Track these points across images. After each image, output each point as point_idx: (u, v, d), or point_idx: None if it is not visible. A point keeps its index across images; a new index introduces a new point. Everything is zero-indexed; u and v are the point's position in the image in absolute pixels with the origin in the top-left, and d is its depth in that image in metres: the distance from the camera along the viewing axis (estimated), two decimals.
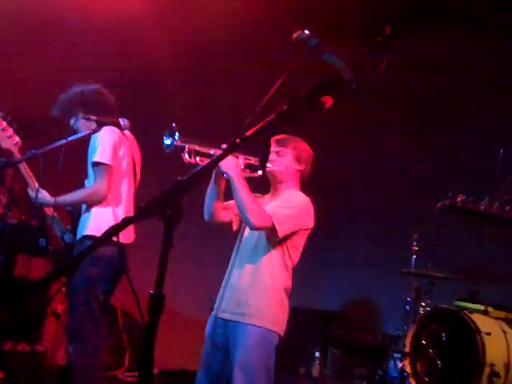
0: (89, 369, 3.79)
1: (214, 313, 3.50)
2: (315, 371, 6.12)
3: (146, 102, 6.24)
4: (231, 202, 3.48)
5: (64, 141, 3.69)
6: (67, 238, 4.04)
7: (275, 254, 3.41)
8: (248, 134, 1.78)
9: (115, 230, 1.89)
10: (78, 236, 3.96)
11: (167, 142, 3.22)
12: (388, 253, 6.52)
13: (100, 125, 3.81)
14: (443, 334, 5.05)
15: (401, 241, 6.09)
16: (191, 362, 3.88)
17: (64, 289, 5.48)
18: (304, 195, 3.53)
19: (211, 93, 6.22)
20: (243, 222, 3.49)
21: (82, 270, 3.72)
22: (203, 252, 6.39)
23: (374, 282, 6.74)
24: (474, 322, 4.87)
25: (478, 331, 4.79)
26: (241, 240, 3.54)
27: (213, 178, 3.39)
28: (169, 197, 1.77)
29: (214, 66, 6.23)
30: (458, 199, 3.97)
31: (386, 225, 6.82)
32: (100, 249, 3.26)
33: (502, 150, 4.83)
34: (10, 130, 3.95)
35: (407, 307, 5.76)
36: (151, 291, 1.83)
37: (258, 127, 1.77)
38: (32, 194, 3.93)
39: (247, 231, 3.50)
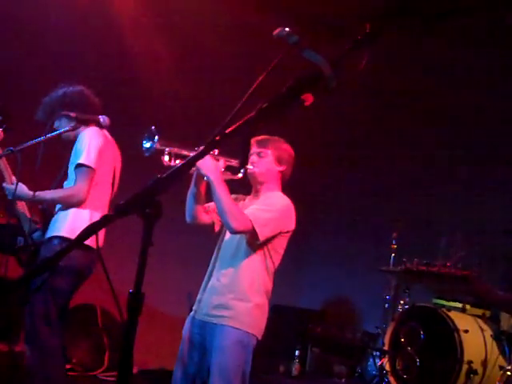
0: (44, 370, 3.72)
1: (192, 313, 3.49)
2: (295, 369, 6.13)
3: (128, 102, 6.20)
4: (212, 204, 3.46)
5: (42, 138, 3.65)
6: (36, 236, 3.98)
7: (256, 257, 3.40)
8: (228, 131, 1.77)
9: (94, 228, 1.87)
10: (48, 235, 3.88)
11: (147, 145, 3.22)
12: (367, 251, 6.55)
13: (79, 122, 3.77)
14: (422, 332, 5.09)
15: (380, 239, 6.13)
16: (171, 362, 3.86)
17: None
18: (285, 197, 3.51)
19: (198, 94, 6.20)
20: (223, 223, 3.48)
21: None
22: (184, 251, 6.37)
23: (353, 281, 6.77)
24: (452, 320, 4.91)
25: (456, 329, 4.84)
26: (222, 242, 3.53)
27: (193, 180, 3.38)
28: (148, 194, 1.76)
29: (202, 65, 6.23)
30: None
31: (365, 223, 6.86)
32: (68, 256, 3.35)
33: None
34: None
35: (386, 305, 5.80)
36: (130, 290, 1.81)
37: (237, 125, 1.76)
38: (9, 187, 3.85)
39: (228, 234, 3.48)
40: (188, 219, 3.52)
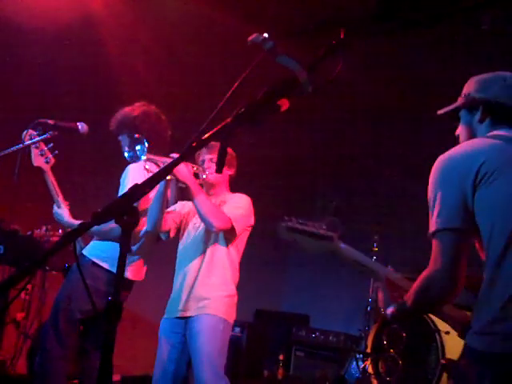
0: (44, 377, 3.74)
1: (167, 316, 3.67)
2: (279, 374, 6.13)
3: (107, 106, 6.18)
4: (170, 209, 3.69)
5: (21, 145, 3.63)
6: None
7: (224, 252, 3.64)
8: (204, 137, 1.77)
9: (72, 235, 1.86)
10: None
11: (130, 153, 3.34)
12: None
13: (56, 129, 3.75)
14: (403, 334, 5.11)
15: (361, 242, 6.15)
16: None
17: (23, 296, 5.41)
18: (244, 195, 3.76)
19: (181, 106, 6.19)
20: (184, 226, 3.73)
21: (70, 285, 3.73)
22: (166, 258, 6.35)
23: (336, 284, 6.79)
24: (433, 321, 4.94)
25: (437, 330, 4.86)
26: (185, 242, 3.72)
27: (160, 189, 3.48)
28: (125, 201, 1.76)
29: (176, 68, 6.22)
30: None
31: (347, 225, 6.87)
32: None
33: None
34: (44, 147, 3.80)
35: (368, 308, 5.82)
36: (109, 298, 1.81)
37: (214, 131, 1.77)
38: (57, 211, 3.82)
39: (193, 233, 3.68)
40: (151, 228, 3.63)
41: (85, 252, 3.78)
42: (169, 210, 3.71)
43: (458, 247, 2.00)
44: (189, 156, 2.53)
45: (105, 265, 3.70)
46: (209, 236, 3.63)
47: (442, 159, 2.10)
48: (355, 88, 5.72)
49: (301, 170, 7.11)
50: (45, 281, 5.43)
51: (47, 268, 5.19)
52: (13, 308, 5.48)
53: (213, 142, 3.55)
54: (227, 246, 3.65)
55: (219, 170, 1.71)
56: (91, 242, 3.86)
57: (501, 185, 1.97)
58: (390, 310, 2.20)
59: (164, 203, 3.55)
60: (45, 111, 4.09)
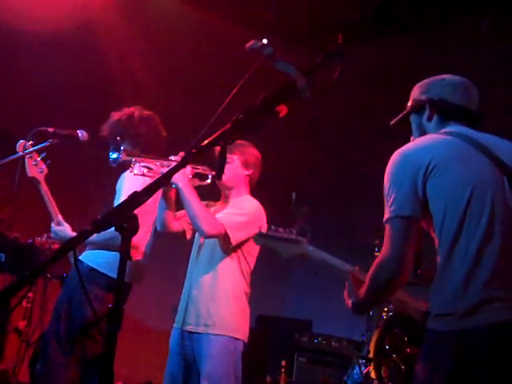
0: None
1: (177, 326, 3.50)
2: (281, 380, 6.11)
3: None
4: (183, 212, 3.48)
5: (17, 155, 3.64)
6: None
7: (232, 262, 3.44)
8: (204, 144, 1.77)
9: (72, 243, 1.86)
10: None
11: (113, 156, 3.24)
12: (351, 260, 6.55)
13: (56, 137, 3.75)
14: (406, 339, 5.09)
15: (364, 247, 6.14)
16: (156, 375, 3.86)
17: (24, 304, 5.41)
18: (255, 200, 3.56)
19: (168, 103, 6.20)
20: (195, 229, 3.50)
21: (69, 291, 3.70)
22: (167, 264, 6.35)
23: (338, 289, 6.77)
24: None
25: None
26: (196, 250, 3.55)
27: (162, 189, 3.39)
28: (125, 209, 1.76)
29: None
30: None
31: (348, 232, 6.87)
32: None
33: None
34: (37, 158, 3.76)
35: (371, 313, 5.80)
36: (110, 305, 1.81)
37: (213, 137, 1.77)
38: (55, 229, 3.78)
39: (201, 240, 3.51)
40: (159, 228, 3.53)
41: (82, 258, 3.77)
42: (181, 212, 3.53)
43: (408, 233, 2.16)
44: (188, 162, 2.53)
45: (103, 270, 3.68)
46: (215, 244, 3.44)
47: (396, 154, 2.27)
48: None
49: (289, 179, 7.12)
50: (46, 289, 5.42)
51: (48, 276, 5.19)
52: (14, 316, 5.48)
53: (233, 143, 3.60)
54: (234, 254, 3.45)
55: (219, 177, 1.71)
56: (87, 250, 3.85)
57: (449, 175, 2.15)
58: (349, 302, 2.44)
59: (169, 203, 3.43)
60: (44, 118, 4.09)
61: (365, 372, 5.34)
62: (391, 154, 2.27)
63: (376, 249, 5.83)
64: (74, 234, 3.75)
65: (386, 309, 5.50)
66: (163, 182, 1.98)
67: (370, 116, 6.19)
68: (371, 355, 5.31)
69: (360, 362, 5.52)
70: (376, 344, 5.30)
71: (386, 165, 2.27)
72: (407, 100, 2.50)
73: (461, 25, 5.07)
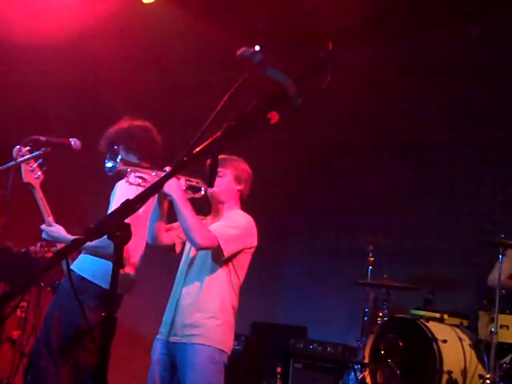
0: None
1: (161, 337, 3.47)
2: None
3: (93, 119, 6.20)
4: (174, 225, 3.50)
5: (13, 162, 3.63)
6: None
7: (222, 274, 3.43)
8: (195, 152, 1.78)
9: (65, 251, 1.86)
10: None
11: (109, 164, 3.24)
12: (345, 265, 6.57)
13: (49, 145, 3.74)
14: (401, 344, 5.10)
15: (357, 253, 6.15)
16: None
17: (18, 313, 5.39)
18: (247, 214, 3.57)
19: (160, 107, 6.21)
20: (188, 243, 3.51)
21: (60, 301, 3.68)
22: (163, 274, 6.34)
23: (332, 295, 6.78)
24: (430, 330, 4.94)
25: (435, 339, 4.86)
26: (185, 261, 3.54)
27: (156, 200, 3.39)
28: (117, 217, 1.76)
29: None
30: None
31: (343, 237, 6.88)
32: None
33: None
34: (34, 164, 3.75)
35: (365, 318, 5.81)
36: (103, 314, 1.80)
37: (204, 145, 1.77)
38: (46, 229, 3.73)
39: (193, 252, 3.51)
40: (149, 240, 3.52)
41: (73, 267, 3.76)
42: (175, 224, 3.52)
43: None
44: (179, 171, 2.53)
45: (94, 280, 3.66)
46: (206, 256, 3.43)
47: None
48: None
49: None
50: (40, 298, 5.40)
51: (42, 285, 5.17)
52: (8, 326, 5.44)
53: (222, 156, 3.52)
54: (225, 267, 3.43)
55: (210, 185, 1.71)
56: (79, 257, 3.83)
57: None
58: None
59: (162, 215, 3.41)
60: (38, 127, 4.09)
61: (360, 377, 5.34)
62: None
63: (370, 254, 5.85)
64: (67, 234, 3.73)
65: (380, 314, 5.51)
66: (155, 190, 1.98)
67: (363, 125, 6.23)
68: (366, 360, 5.31)
69: (355, 367, 5.52)
70: (371, 349, 5.30)
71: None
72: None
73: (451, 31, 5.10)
